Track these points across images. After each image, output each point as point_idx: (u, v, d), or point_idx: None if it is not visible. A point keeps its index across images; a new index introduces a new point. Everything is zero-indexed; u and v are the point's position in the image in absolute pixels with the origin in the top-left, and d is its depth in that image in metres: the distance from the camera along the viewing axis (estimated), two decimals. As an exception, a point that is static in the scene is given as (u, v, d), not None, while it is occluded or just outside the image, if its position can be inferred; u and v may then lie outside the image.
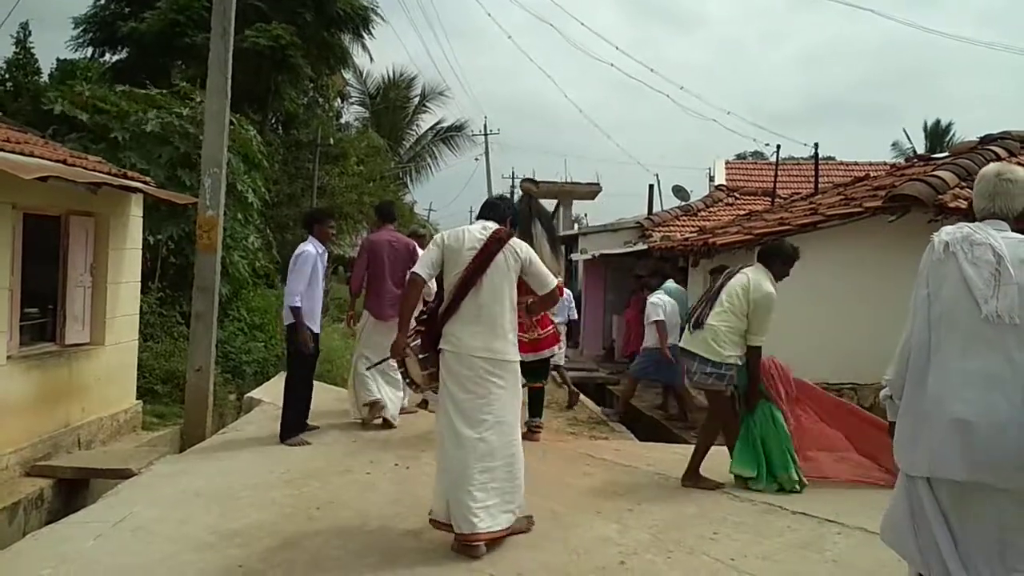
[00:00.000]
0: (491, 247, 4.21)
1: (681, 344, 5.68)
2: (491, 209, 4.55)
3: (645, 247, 15.48)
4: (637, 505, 4.98)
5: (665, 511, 4.87)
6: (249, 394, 8.85)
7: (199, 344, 8.19)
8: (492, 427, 4.10)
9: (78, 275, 7.38)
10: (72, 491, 6.57)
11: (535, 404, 7.03)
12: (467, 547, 4.02)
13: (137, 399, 8.49)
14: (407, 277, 4.39)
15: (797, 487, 5.31)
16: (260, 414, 7.73)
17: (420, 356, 4.35)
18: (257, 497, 4.97)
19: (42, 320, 7.06)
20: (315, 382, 7.07)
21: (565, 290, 11.16)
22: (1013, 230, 2.81)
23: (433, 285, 4.50)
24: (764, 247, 5.82)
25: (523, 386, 5.75)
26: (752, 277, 5.45)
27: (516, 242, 4.32)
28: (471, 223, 4.56)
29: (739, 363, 5.39)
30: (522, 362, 4.53)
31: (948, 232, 2.81)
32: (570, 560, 4.03)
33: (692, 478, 5.52)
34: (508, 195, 6.94)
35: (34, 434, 6.56)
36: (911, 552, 2.73)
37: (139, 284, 8.69)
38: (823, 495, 5.28)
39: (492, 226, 4.36)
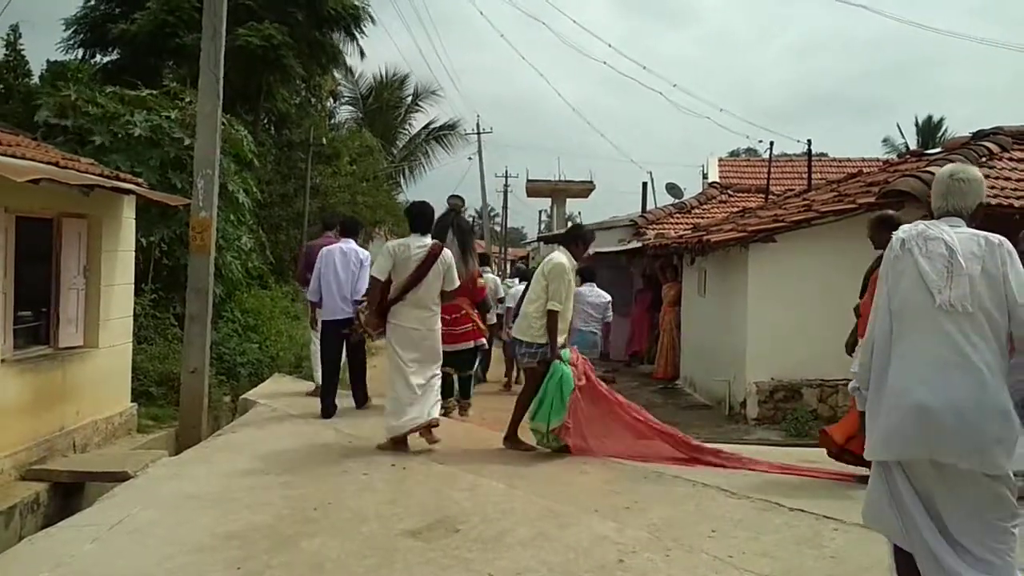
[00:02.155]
0: (430, 261, 6.23)
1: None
2: (421, 220, 6.46)
3: (639, 245, 15.50)
4: (635, 503, 4.98)
5: (663, 509, 4.87)
6: (244, 395, 8.83)
7: (194, 346, 8.18)
8: (420, 365, 6.22)
9: (71, 277, 7.35)
10: (68, 495, 6.54)
11: (464, 387, 8.02)
12: (403, 440, 6.21)
13: (132, 401, 8.47)
14: (370, 279, 6.54)
15: (550, 442, 6.15)
16: (255, 415, 7.71)
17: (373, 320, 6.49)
18: (254, 498, 4.96)
19: (35, 323, 7.03)
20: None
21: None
22: (970, 226, 2.97)
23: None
24: (565, 232, 6.78)
25: (452, 374, 7.67)
26: (550, 256, 6.40)
27: (445, 253, 6.37)
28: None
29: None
30: (445, 352, 6.71)
31: (904, 230, 3.01)
32: (569, 559, 4.03)
33: (511, 441, 6.40)
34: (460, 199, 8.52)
35: (29, 438, 6.53)
36: (897, 532, 2.84)
37: (132, 286, 8.66)
38: (820, 492, 5.29)
39: (428, 241, 6.36)
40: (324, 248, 7.80)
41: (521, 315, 6.41)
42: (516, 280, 12.37)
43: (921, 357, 2.78)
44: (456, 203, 8.63)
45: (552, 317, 6.11)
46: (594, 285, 10.45)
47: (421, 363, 6.24)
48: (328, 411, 7.47)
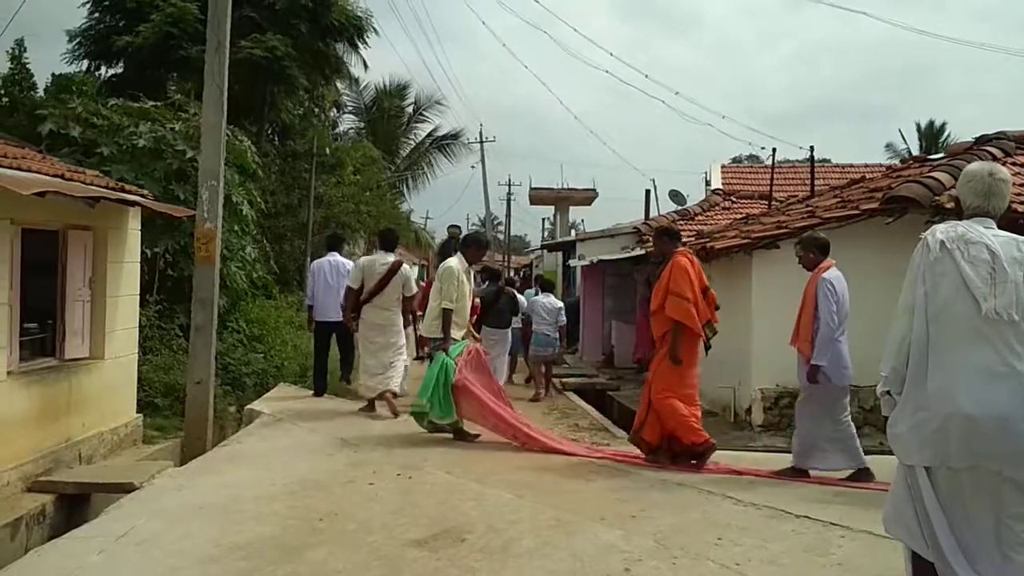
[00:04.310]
0: (390, 275, 8.07)
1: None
2: (386, 242, 8.58)
3: (643, 252, 15.49)
4: (641, 511, 4.98)
5: (669, 517, 4.86)
6: (249, 406, 8.84)
7: (199, 357, 8.18)
8: (382, 349, 8.17)
9: (77, 289, 7.37)
10: (74, 506, 6.54)
11: None
12: (379, 400, 8.14)
13: (137, 413, 8.47)
14: (345, 287, 8.47)
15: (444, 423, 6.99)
16: (260, 426, 7.72)
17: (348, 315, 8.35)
18: (260, 509, 4.96)
19: (42, 335, 7.03)
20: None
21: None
22: (998, 227, 2.89)
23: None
24: (462, 239, 8.02)
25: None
26: (444, 263, 7.42)
27: (403, 268, 8.22)
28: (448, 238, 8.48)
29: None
30: None
31: (943, 231, 2.89)
32: (575, 567, 4.02)
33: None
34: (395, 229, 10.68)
35: (35, 449, 6.54)
36: (918, 539, 2.79)
37: (138, 297, 8.68)
38: (826, 499, 5.28)
39: (391, 258, 8.23)
40: (315, 262, 9.70)
41: (426, 315, 7.38)
42: (535, 291, 13.24)
43: (964, 365, 2.72)
44: (455, 231, 10.67)
45: (445, 314, 7.01)
46: (550, 294, 12.37)
47: (383, 347, 8.15)
48: (319, 391, 9.33)
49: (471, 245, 7.53)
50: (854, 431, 5.96)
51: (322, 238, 20.77)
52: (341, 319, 8.68)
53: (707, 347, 6.40)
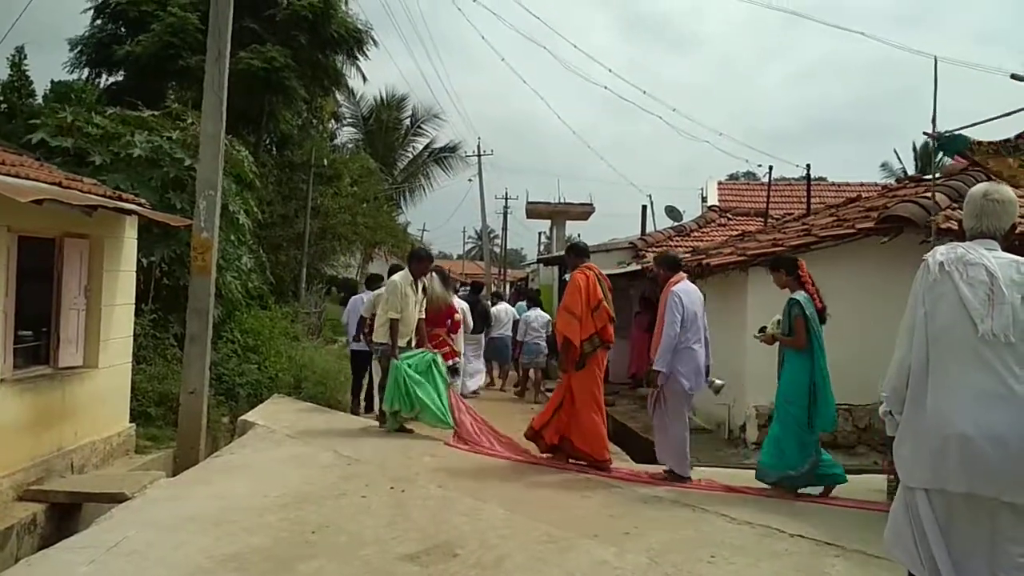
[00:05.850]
0: None
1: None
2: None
3: (639, 267, 15.51)
4: (634, 528, 4.97)
5: (662, 534, 4.85)
6: (243, 417, 8.80)
7: (193, 366, 8.17)
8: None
9: (72, 297, 7.36)
10: (65, 516, 6.51)
11: None
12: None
13: (130, 422, 8.44)
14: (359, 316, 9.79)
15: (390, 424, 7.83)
16: (254, 437, 7.69)
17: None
18: (252, 521, 4.94)
19: (35, 343, 7.01)
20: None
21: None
22: (1003, 248, 2.88)
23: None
24: (408, 254, 9.04)
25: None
26: (391, 277, 8.24)
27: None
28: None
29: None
30: None
31: (942, 252, 2.90)
32: (568, 584, 4.01)
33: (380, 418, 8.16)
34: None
35: (27, 458, 6.51)
36: (915, 561, 2.79)
37: (133, 306, 8.66)
38: (820, 518, 5.28)
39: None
40: (352, 298, 11.44)
41: (376, 323, 8.10)
42: (524, 304, 14.95)
43: (962, 387, 2.72)
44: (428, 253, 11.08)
45: (392, 324, 7.81)
46: (538, 308, 14.06)
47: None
48: (355, 411, 10.37)
49: (415, 259, 8.41)
50: (687, 436, 6.51)
51: (319, 249, 20.91)
52: (368, 349, 9.29)
53: (578, 362, 6.64)
